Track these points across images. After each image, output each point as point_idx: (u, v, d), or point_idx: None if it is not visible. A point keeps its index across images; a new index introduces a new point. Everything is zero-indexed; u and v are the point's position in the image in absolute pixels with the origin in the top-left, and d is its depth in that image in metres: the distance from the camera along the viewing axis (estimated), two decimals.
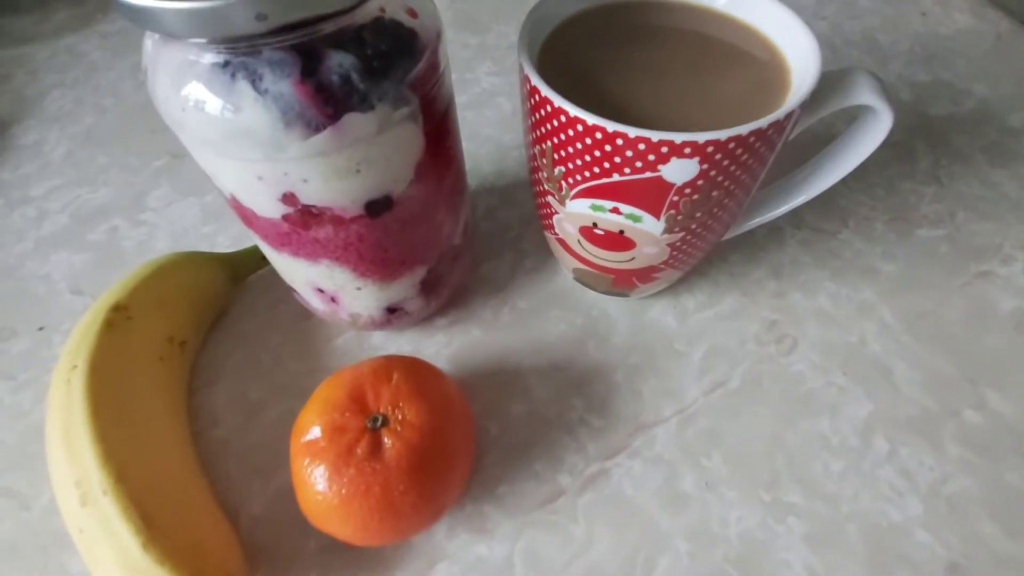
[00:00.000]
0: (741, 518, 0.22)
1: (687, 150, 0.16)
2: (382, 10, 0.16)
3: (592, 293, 0.28)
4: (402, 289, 0.23)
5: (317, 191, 0.18)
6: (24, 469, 0.24)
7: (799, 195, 0.23)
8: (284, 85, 0.15)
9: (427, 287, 0.24)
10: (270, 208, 0.18)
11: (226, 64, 0.15)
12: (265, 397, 0.25)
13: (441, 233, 0.23)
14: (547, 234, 0.25)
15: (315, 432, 0.19)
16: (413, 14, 0.17)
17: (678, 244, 0.21)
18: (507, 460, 0.23)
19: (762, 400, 0.24)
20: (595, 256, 0.23)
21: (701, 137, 0.16)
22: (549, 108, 0.18)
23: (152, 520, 0.18)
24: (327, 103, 0.15)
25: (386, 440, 0.18)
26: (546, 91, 0.18)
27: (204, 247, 0.31)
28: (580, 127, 0.17)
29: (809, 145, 0.33)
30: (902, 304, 0.27)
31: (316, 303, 0.24)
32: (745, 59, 0.20)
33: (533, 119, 0.19)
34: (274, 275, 0.29)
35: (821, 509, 0.22)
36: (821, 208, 0.31)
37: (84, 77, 0.42)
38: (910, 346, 0.26)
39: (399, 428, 0.19)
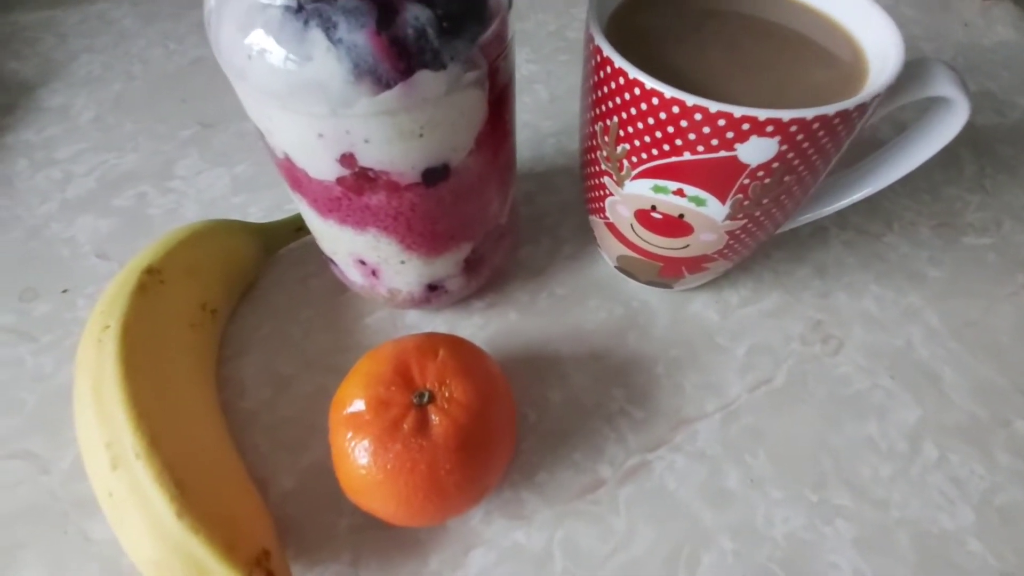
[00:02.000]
0: (787, 518, 0.21)
1: (769, 128, 0.16)
2: None
3: (632, 283, 0.27)
4: (446, 266, 0.23)
5: (377, 153, 0.17)
6: (45, 432, 0.23)
7: (867, 186, 0.22)
8: (359, 36, 0.14)
9: (470, 266, 0.24)
10: (326, 170, 0.18)
11: (299, 9, 0.14)
12: (295, 371, 0.25)
13: (490, 210, 0.22)
14: (594, 218, 0.25)
15: (359, 405, 0.18)
16: None
17: (737, 232, 0.20)
18: (546, 447, 0.23)
19: (807, 400, 0.24)
20: (647, 242, 0.22)
21: (786, 115, 0.15)
22: (622, 80, 0.17)
23: (186, 487, 0.18)
24: (400, 58, 0.15)
25: (433, 417, 0.18)
26: (620, 62, 0.17)
27: (234, 217, 0.30)
28: (656, 100, 0.17)
29: (854, 144, 0.33)
30: (949, 310, 0.27)
31: (355, 276, 0.24)
32: (818, 44, 0.19)
33: (599, 93, 0.19)
34: (306, 249, 0.29)
35: (870, 513, 0.21)
36: (866, 210, 0.30)
37: (114, 43, 0.41)
38: (958, 353, 0.25)
39: (446, 405, 0.18)
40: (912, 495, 0.22)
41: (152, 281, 0.23)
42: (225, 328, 0.26)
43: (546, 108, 0.36)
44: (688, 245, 0.21)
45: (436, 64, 0.15)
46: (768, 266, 0.28)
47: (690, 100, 0.16)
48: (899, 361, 0.25)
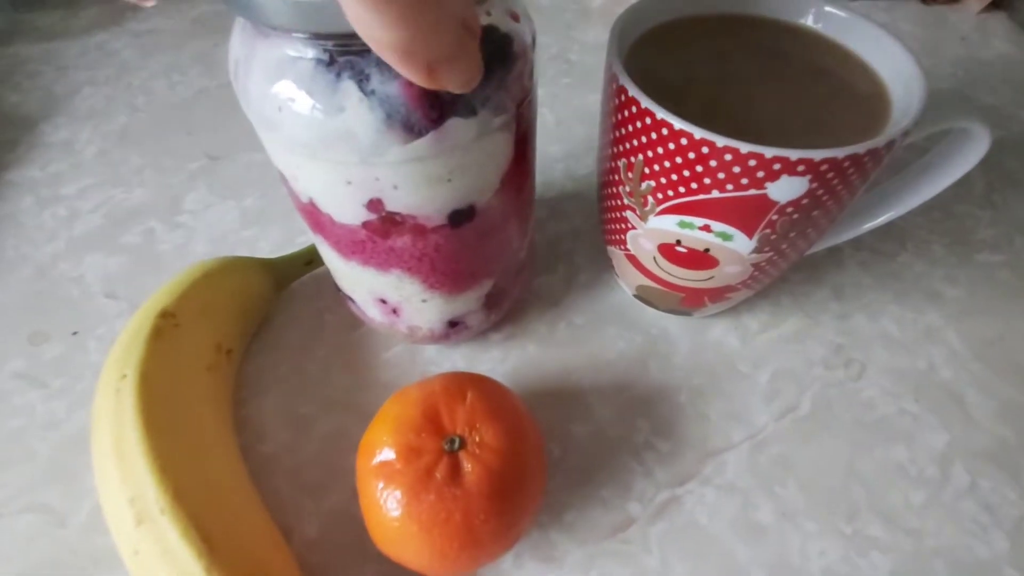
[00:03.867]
0: (823, 551, 0.21)
1: (800, 168, 0.16)
2: (488, 12, 0.15)
3: (650, 310, 0.27)
4: (467, 303, 0.22)
5: (405, 198, 0.17)
6: (59, 483, 0.23)
7: (887, 211, 0.22)
8: (392, 87, 0.14)
9: (490, 301, 0.23)
10: (351, 214, 0.17)
11: (331, 62, 0.14)
12: (314, 411, 0.24)
13: (511, 246, 0.22)
14: (613, 249, 0.24)
15: (388, 453, 0.18)
16: (516, 18, 0.16)
17: (762, 264, 0.20)
18: (573, 484, 0.22)
19: (834, 427, 0.24)
20: (670, 274, 0.22)
21: (817, 155, 0.15)
22: (648, 121, 0.17)
23: (213, 541, 0.17)
24: (432, 107, 0.15)
25: (466, 464, 0.17)
26: (646, 103, 0.17)
27: (243, 252, 0.30)
28: (684, 140, 0.16)
29: None
30: (969, 329, 0.27)
31: (374, 313, 0.23)
32: (839, 78, 0.20)
33: (623, 131, 0.19)
34: (318, 283, 0.28)
35: (905, 543, 0.21)
36: (879, 229, 0.30)
37: (116, 75, 0.41)
38: (981, 373, 0.25)
39: (477, 451, 0.18)
40: (945, 523, 0.21)
41: (167, 325, 0.22)
42: (240, 368, 0.26)
43: (552, 132, 0.36)
44: (712, 277, 0.21)
45: (467, 111, 0.15)
46: (785, 289, 0.28)
47: (720, 141, 0.16)
48: (922, 383, 0.25)
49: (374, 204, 0.17)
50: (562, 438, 0.23)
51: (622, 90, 0.18)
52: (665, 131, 0.17)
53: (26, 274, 0.30)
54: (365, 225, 0.18)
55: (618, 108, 0.18)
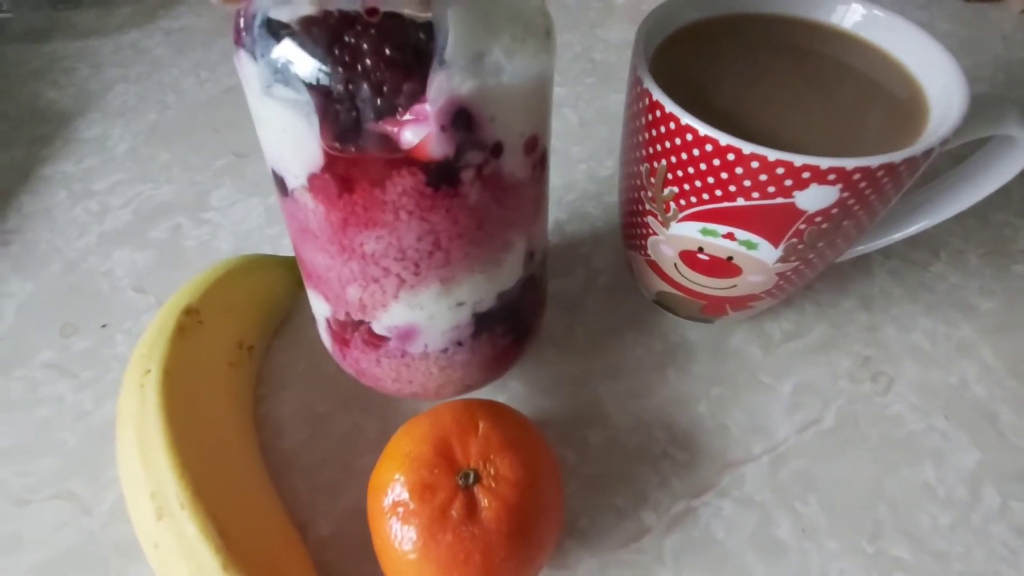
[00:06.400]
0: (843, 571, 0.20)
1: (831, 176, 0.15)
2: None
3: (670, 316, 0.27)
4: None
5: None
6: (86, 472, 0.23)
7: (921, 220, 0.22)
8: None
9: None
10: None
11: None
12: (332, 409, 0.25)
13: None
14: (633, 254, 0.24)
15: (400, 491, 0.17)
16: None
17: (788, 273, 0.20)
18: (587, 492, 0.22)
19: (859, 442, 0.23)
20: (691, 282, 0.22)
21: (849, 163, 0.15)
22: (673, 125, 0.17)
23: (230, 538, 0.18)
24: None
25: (482, 500, 0.17)
26: (671, 107, 0.17)
27: (268, 249, 0.31)
28: (710, 147, 0.16)
29: None
30: (1004, 345, 0.26)
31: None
32: (872, 78, 0.19)
33: (646, 136, 0.18)
34: None
35: (930, 566, 0.20)
36: (911, 238, 0.29)
37: (147, 73, 0.42)
38: (1016, 391, 0.24)
39: (493, 484, 0.17)
40: (974, 546, 0.21)
41: (191, 322, 0.23)
42: (261, 364, 0.26)
43: (575, 133, 0.36)
44: (735, 285, 0.21)
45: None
46: (810, 297, 0.27)
47: (747, 148, 0.15)
48: (954, 400, 0.24)
49: None
50: (577, 444, 0.23)
51: (646, 93, 0.17)
52: (689, 136, 0.16)
53: (58, 267, 0.30)
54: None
55: (642, 112, 0.18)
